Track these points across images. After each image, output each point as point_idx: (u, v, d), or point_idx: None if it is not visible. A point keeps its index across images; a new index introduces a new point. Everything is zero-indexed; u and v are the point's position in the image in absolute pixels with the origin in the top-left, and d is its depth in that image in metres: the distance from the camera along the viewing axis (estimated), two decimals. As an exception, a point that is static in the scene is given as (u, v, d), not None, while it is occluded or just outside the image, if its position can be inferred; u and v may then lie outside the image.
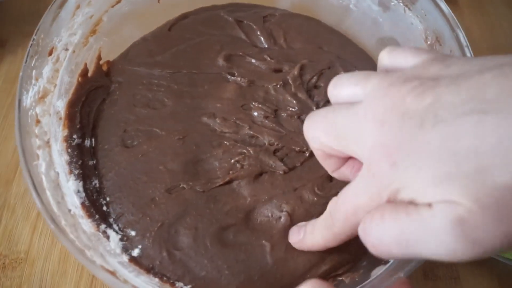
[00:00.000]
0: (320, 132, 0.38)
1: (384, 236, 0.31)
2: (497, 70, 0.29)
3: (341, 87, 0.38)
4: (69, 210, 0.44)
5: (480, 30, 0.80)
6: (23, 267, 0.55)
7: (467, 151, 0.28)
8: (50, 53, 0.50)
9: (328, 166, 0.42)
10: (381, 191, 0.32)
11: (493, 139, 0.27)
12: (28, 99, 0.46)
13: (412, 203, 0.30)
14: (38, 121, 0.47)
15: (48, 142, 0.47)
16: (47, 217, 0.39)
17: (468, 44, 0.49)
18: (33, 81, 0.47)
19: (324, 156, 0.41)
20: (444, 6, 0.52)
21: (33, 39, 0.47)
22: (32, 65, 0.47)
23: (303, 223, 0.47)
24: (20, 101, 0.44)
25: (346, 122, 0.36)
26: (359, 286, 0.40)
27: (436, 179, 0.29)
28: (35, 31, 0.47)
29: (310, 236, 0.44)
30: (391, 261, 0.44)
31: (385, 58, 0.38)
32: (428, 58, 0.35)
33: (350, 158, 0.40)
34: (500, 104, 0.28)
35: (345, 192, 0.37)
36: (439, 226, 0.29)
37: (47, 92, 0.49)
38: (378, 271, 0.42)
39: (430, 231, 0.29)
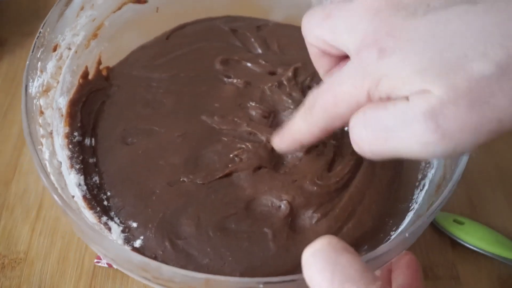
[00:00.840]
0: (316, 23, 0.38)
1: (364, 133, 0.32)
2: None
3: None
4: (73, 196, 0.45)
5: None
6: (22, 267, 0.55)
7: (452, 37, 0.28)
8: (54, 49, 0.51)
9: (321, 66, 0.42)
10: (364, 79, 0.31)
11: (478, 24, 0.28)
12: (33, 88, 0.47)
13: (391, 97, 0.30)
14: (41, 112, 0.48)
15: (51, 133, 0.48)
16: (53, 192, 0.39)
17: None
18: (38, 73, 0.48)
19: (318, 54, 0.41)
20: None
21: (40, 31, 0.48)
22: (38, 56, 0.48)
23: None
24: (26, 86, 0.45)
25: (341, 12, 0.35)
26: (365, 260, 0.39)
27: (417, 68, 0.29)
28: (42, 24, 0.49)
29: (287, 131, 0.44)
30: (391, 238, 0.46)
31: None
32: None
33: (342, 59, 0.40)
34: None
35: (328, 81, 0.35)
36: (412, 117, 0.29)
37: (50, 86, 0.50)
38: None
39: (405, 123, 0.29)
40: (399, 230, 0.48)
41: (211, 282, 0.37)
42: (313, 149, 0.53)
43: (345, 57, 0.39)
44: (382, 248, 0.38)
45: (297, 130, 0.41)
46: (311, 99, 0.37)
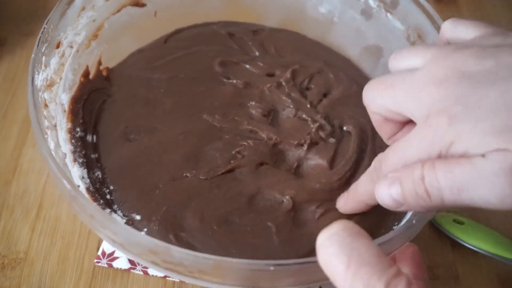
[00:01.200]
0: (378, 93, 0.39)
1: (435, 184, 0.32)
2: None
3: (402, 58, 0.39)
4: (78, 186, 0.45)
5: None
6: (22, 267, 0.54)
7: None
8: (57, 46, 0.52)
9: (384, 132, 0.43)
10: (434, 143, 0.33)
11: None
12: (38, 81, 0.47)
13: (464, 156, 0.31)
14: (46, 105, 0.48)
15: (55, 126, 0.49)
16: (62, 177, 0.39)
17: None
18: (43, 67, 0.48)
19: (380, 121, 0.42)
20: (424, 3, 0.55)
21: (44, 27, 0.49)
22: (43, 50, 0.49)
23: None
24: (33, 78, 0.45)
25: (404, 84, 0.36)
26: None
27: (492, 130, 0.30)
28: (46, 21, 0.49)
29: (352, 194, 0.46)
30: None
31: (448, 29, 0.40)
32: (489, 31, 0.37)
33: (406, 124, 0.41)
34: None
35: (395, 145, 0.37)
36: (491, 172, 0.30)
37: (53, 82, 0.51)
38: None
39: (483, 176, 0.30)
40: (401, 223, 0.48)
41: (221, 264, 0.37)
42: (313, 146, 0.54)
43: (408, 122, 0.40)
44: (391, 234, 0.39)
45: (363, 192, 0.43)
46: (377, 162, 0.39)
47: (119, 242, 0.39)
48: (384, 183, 0.36)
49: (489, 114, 0.30)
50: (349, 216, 0.49)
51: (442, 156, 0.33)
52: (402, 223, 0.48)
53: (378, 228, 0.50)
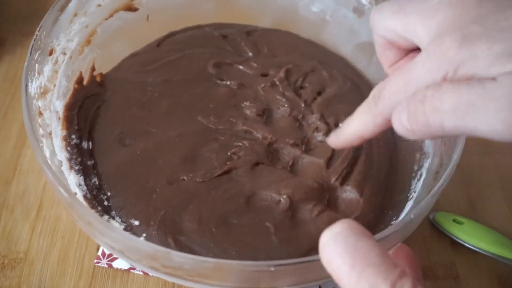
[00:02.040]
0: (388, 14, 0.37)
1: (439, 107, 0.30)
2: None
3: None
4: (75, 194, 0.45)
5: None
6: (22, 267, 0.54)
7: None
8: (50, 53, 0.52)
9: (386, 58, 0.41)
10: (442, 63, 0.31)
11: None
12: (32, 89, 0.47)
13: (473, 77, 0.29)
14: (40, 113, 0.48)
15: (50, 134, 0.48)
16: (59, 185, 0.39)
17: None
18: (36, 75, 0.49)
19: (385, 46, 0.40)
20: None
21: (36, 34, 0.49)
22: (36, 58, 0.49)
23: None
24: (27, 86, 0.45)
25: (417, 5, 0.35)
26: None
27: (507, 52, 0.28)
28: (38, 28, 0.49)
29: (346, 126, 0.43)
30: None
31: None
32: None
33: (410, 52, 0.40)
34: None
35: (398, 70, 0.35)
36: (501, 94, 0.28)
37: (47, 89, 0.51)
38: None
39: (492, 99, 0.28)
40: (399, 218, 0.49)
41: (221, 266, 0.37)
42: (309, 146, 0.54)
43: (412, 51, 0.39)
44: (390, 229, 0.39)
45: (359, 124, 0.40)
46: (376, 90, 0.37)
47: (118, 249, 0.39)
48: (397, 109, 0.33)
49: (507, 36, 0.29)
50: (347, 214, 0.49)
51: (448, 79, 0.31)
52: (400, 218, 0.49)
53: (377, 224, 0.50)
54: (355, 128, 0.41)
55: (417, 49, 0.37)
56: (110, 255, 0.54)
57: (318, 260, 0.31)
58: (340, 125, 0.54)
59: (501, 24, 0.29)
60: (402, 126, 0.33)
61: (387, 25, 0.38)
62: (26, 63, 0.47)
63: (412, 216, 0.40)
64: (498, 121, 0.28)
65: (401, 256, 0.40)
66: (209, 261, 0.36)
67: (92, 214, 0.38)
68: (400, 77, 0.34)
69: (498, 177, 0.64)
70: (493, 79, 0.28)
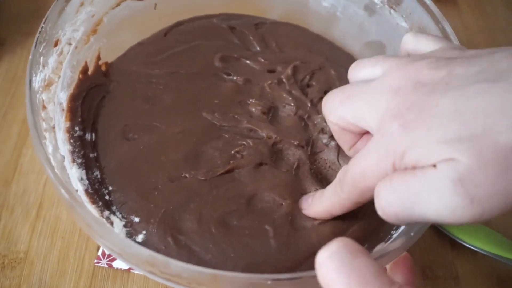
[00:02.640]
0: (337, 104, 0.40)
1: (391, 198, 0.33)
2: (510, 51, 0.31)
3: (361, 68, 0.40)
4: (76, 190, 0.45)
5: (479, 29, 0.83)
6: (22, 267, 0.54)
7: (475, 111, 0.29)
8: (56, 44, 0.51)
9: (344, 142, 0.44)
10: (389, 152, 0.33)
11: (500, 101, 0.29)
12: (36, 83, 0.47)
13: (417, 166, 0.31)
14: (44, 107, 0.48)
15: (53, 127, 0.48)
16: (59, 185, 0.39)
17: (453, 32, 0.51)
18: (40, 67, 0.48)
19: (340, 132, 0.42)
20: (429, 2, 0.54)
21: (42, 26, 0.48)
22: (40, 50, 0.48)
23: (314, 192, 0.48)
24: (30, 81, 0.45)
25: (361, 94, 0.37)
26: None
27: (442, 139, 0.30)
28: (44, 19, 0.49)
29: (317, 202, 0.46)
30: (391, 237, 0.46)
31: (409, 41, 0.41)
32: (448, 46, 0.37)
33: (365, 134, 0.41)
34: (509, 75, 0.29)
35: (355, 157, 0.37)
36: (441, 183, 0.29)
37: (52, 81, 0.50)
38: (379, 248, 0.43)
39: (433, 189, 0.30)
40: (400, 229, 0.48)
41: (218, 277, 0.37)
42: (314, 148, 0.54)
43: (366, 132, 0.41)
44: (389, 246, 0.39)
45: (328, 204, 0.44)
46: (341, 175, 0.40)
47: (117, 252, 0.39)
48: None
49: (441, 122, 0.30)
50: (349, 223, 0.49)
51: (396, 167, 0.33)
52: (400, 229, 0.48)
53: (377, 232, 0.50)
54: (325, 206, 0.45)
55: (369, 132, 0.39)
56: (110, 255, 0.54)
57: (316, 276, 0.32)
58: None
59: (434, 111, 0.31)
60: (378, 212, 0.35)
61: (338, 114, 0.40)
62: (30, 57, 0.46)
63: (412, 234, 0.40)
64: (442, 207, 0.30)
65: (399, 262, 0.41)
66: (206, 272, 0.36)
67: (92, 217, 0.38)
68: (357, 166, 0.37)
69: None
70: (434, 166, 0.30)
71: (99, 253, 0.55)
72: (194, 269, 0.36)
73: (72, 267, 0.54)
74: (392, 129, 0.33)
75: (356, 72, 0.41)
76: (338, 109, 0.40)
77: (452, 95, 0.31)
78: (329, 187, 0.43)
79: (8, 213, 0.58)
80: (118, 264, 0.54)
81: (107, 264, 0.54)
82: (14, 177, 0.61)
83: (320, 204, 0.45)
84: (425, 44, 0.39)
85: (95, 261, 0.54)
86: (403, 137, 0.32)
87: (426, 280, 0.56)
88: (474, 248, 0.56)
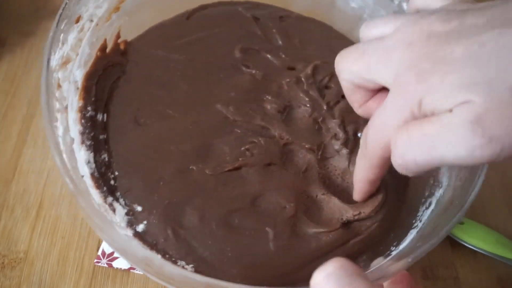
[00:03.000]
0: (351, 61, 0.40)
1: (409, 145, 0.33)
2: None
3: (373, 26, 0.40)
4: (82, 176, 0.45)
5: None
6: (22, 267, 0.55)
7: (489, 56, 0.30)
8: (77, 21, 0.51)
9: (355, 100, 0.44)
10: (406, 101, 0.34)
11: None
12: (54, 61, 0.46)
13: (434, 113, 0.32)
14: (59, 85, 0.48)
15: (66, 108, 0.48)
16: (65, 175, 0.39)
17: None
18: (60, 45, 0.48)
19: (352, 89, 0.43)
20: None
21: (65, 3, 0.48)
22: (62, 28, 0.48)
23: None
24: (49, 59, 0.45)
25: (376, 50, 0.38)
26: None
27: (457, 84, 0.31)
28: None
29: (354, 178, 0.47)
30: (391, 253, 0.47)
31: None
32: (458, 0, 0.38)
33: (377, 92, 0.42)
34: None
35: (374, 114, 0.38)
36: (458, 125, 0.30)
37: (69, 59, 0.50)
38: (377, 262, 0.43)
39: (451, 131, 0.31)
40: (400, 247, 0.48)
41: (212, 286, 0.37)
42: (325, 153, 0.53)
43: (379, 90, 0.42)
44: (383, 268, 0.39)
45: (361, 170, 0.44)
46: (363, 136, 0.41)
47: (115, 247, 0.39)
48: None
49: (455, 68, 0.31)
50: (350, 235, 0.49)
51: (414, 116, 0.34)
52: (400, 247, 0.48)
53: (378, 245, 0.50)
54: (361, 175, 0.45)
55: (383, 89, 0.39)
56: (110, 255, 0.55)
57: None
58: (359, 135, 0.54)
59: (448, 58, 0.32)
60: (397, 166, 0.35)
61: (353, 71, 0.41)
62: (51, 34, 0.45)
63: (410, 260, 0.39)
64: (461, 150, 0.31)
65: (398, 279, 0.41)
66: (199, 280, 0.36)
67: (94, 211, 0.38)
68: (377, 120, 0.37)
69: (498, 177, 0.64)
70: (450, 111, 0.31)
71: (99, 252, 0.55)
72: (186, 275, 0.36)
73: (72, 267, 0.55)
74: (408, 79, 0.34)
75: (368, 30, 0.41)
76: (353, 66, 0.40)
77: (465, 42, 0.31)
78: (357, 156, 0.44)
79: (8, 213, 0.58)
80: (118, 264, 0.54)
81: (107, 264, 0.54)
82: (14, 177, 0.61)
83: (356, 177, 0.46)
84: (435, 0, 0.39)
85: (95, 261, 0.55)
86: (419, 86, 0.33)
87: (426, 280, 0.57)
88: (474, 248, 0.57)
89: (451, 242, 0.58)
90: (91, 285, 0.54)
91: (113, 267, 0.54)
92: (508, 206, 0.62)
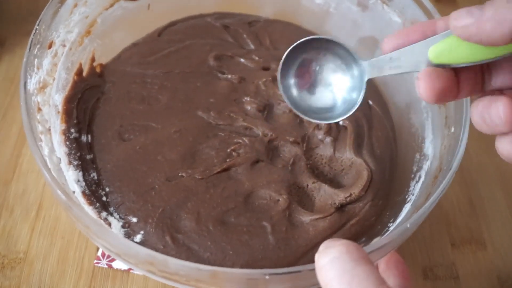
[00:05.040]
0: None
1: None
2: None
3: None
4: (73, 192, 0.45)
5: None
6: (22, 267, 0.54)
7: None
8: (50, 46, 0.51)
9: None
10: None
11: None
12: (31, 85, 0.47)
13: None
14: (39, 109, 0.48)
15: (49, 130, 0.48)
16: (56, 187, 0.39)
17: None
18: (35, 70, 0.48)
19: None
20: (421, -3, 0.54)
21: (36, 28, 0.48)
22: (35, 53, 0.48)
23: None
24: (25, 83, 0.45)
25: None
26: (370, 250, 0.39)
27: None
28: (37, 21, 0.49)
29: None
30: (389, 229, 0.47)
31: None
32: None
33: None
34: None
35: None
36: None
37: (46, 83, 0.50)
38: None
39: None
40: (397, 221, 0.49)
41: (217, 274, 0.37)
42: (310, 144, 0.54)
43: None
44: (385, 239, 0.39)
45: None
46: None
47: (115, 252, 0.39)
48: None
49: None
50: (347, 218, 0.49)
51: None
52: (397, 221, 0.49)
53: (375, 225, 0.51)
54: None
55: None
56: (109, 255, 0.54)
57: (312, 270, 0.32)
58: (340, 122, 0.54)
59: None
60: None
61: None
62: (25, 59, 0.46)
63: (408, 225, 0.40)
64: None
65: (392, 264, 0.41)
66: (205, 269, 0.36)
67: (89, 218, 0.38)
68: None
69: (498, 177, 0.64)
70: None
71: (99, 253, 0.55)
72: (192, 266, 0.36)
73: (72, 267, 0.54)
74: None
75: None
76: None
77: None
78: None
79: (8, 213, 0.58)
80: (118, 264, 0.54)
81: (106, 264, 0.54)
82: (14, 177, 0.61)
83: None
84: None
85: (95, 261, 0.54)
86: None
87: (426, 280, 0.56)
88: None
89: (451, 242, 0.59)
90: (91, 285, 0.53)
91: (113, 268, 0.54)
92: (508, 206, 0.62)
